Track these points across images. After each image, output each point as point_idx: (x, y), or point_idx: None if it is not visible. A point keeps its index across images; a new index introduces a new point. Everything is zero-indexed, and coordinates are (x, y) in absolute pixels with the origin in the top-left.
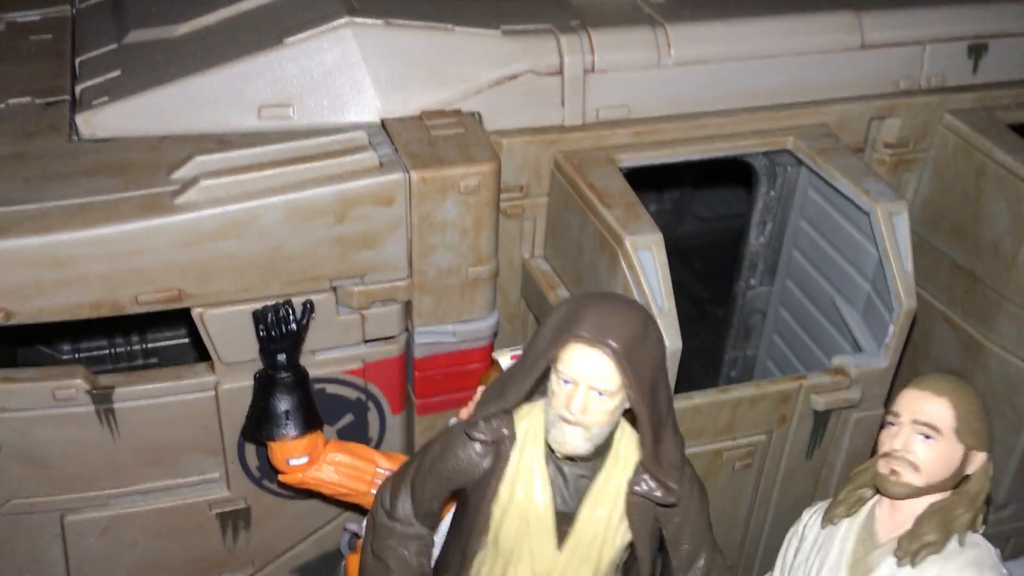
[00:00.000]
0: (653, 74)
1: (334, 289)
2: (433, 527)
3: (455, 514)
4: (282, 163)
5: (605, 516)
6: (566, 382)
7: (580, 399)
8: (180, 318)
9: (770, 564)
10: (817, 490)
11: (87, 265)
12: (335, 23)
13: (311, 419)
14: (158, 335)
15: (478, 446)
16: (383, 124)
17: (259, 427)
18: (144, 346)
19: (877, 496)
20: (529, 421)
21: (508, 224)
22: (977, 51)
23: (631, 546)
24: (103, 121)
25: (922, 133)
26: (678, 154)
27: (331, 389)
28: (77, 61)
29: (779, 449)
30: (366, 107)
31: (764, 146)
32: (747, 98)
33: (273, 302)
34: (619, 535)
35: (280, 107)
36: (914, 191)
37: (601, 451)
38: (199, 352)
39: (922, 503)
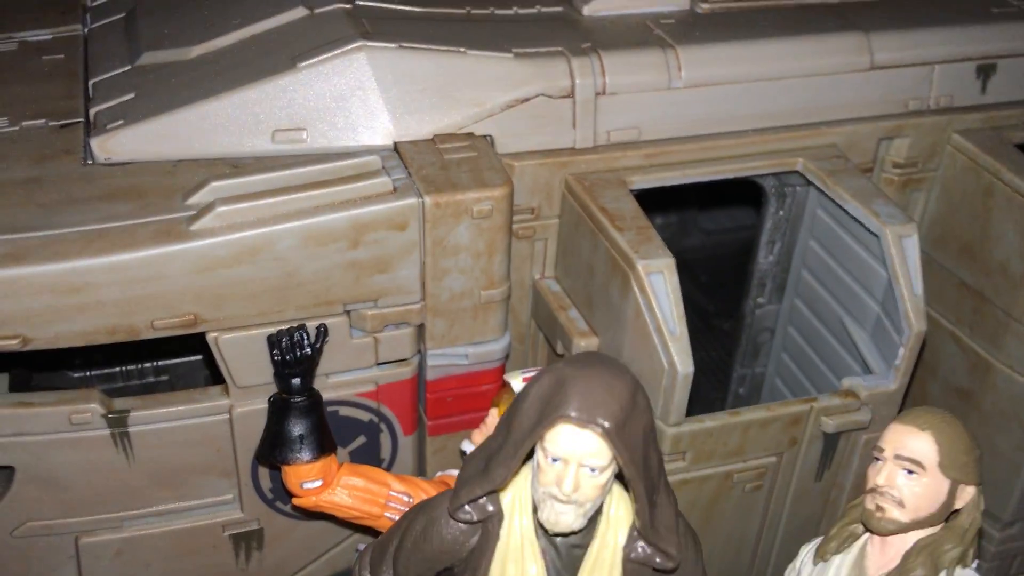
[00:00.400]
0: (664, 96)
1: (348, 313)
2: None
3: None
4: (297, 189)
5: None
6: (555, 460)
7: (571, 479)
8: (192, 337)
9: None
10: (826, 511)
11: (103, 291)
12: (348, 47)
13: (325, 443)
14: (169, 352)
15: (463, 525)
16: (396, 148)
17: (273, 450)
18: (155, 363)
19: (868, 533)
20: (515, 491)
21: (519, 245)
22: (986, 71)
23: None
24: (118, 145)
25: (930, 153)
26: (688, 175)
27: (344, 411)
28: (90, 83)
29: (789, 471)
30: (379, 130)
31: (774, 167)
32: (757, 119)
33: (287, 326)
34: None
35: (294, 131)
36: (922, 210)
37: (592, 518)
38: (211, 370)
39: (910, 539)
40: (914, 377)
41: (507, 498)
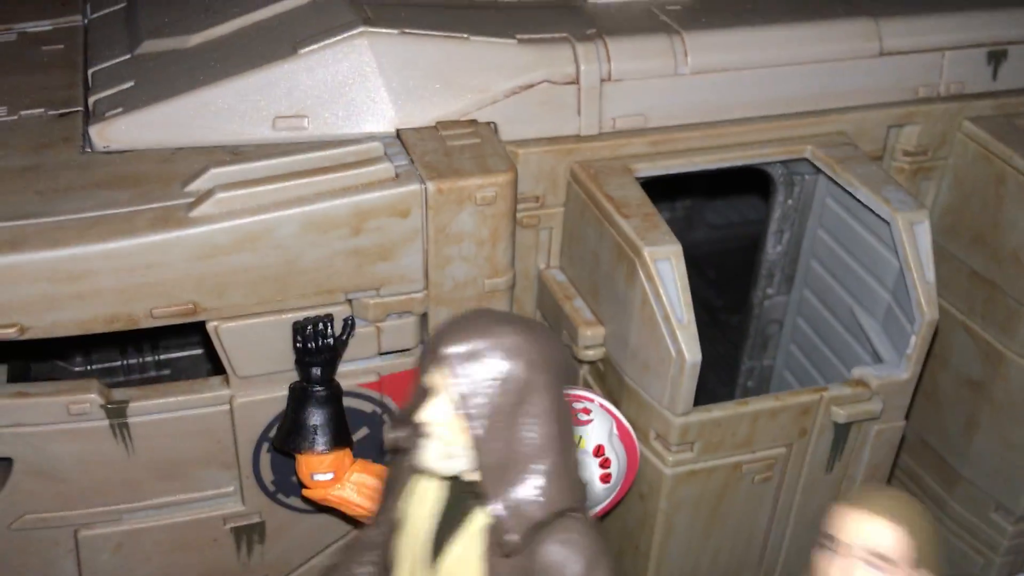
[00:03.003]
0: (670, 83)
1: (349, 302)
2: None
3: None
4: (297, 175)
5: (467, 551)
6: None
7: (426, 407)
8: (193, 329)
9: None
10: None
11: (101, 279)
12: (350, 33)
13: (340, 436)
14: (170, 345)
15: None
16: (398, 135)
17: (288, 438)
18: (156, 357)
19: None
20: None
21: (524, 234)
22: (996, 58)
23: None
24: (116, 133)
25: (941, 141)
26: (695, 163)
27: (347, 402)
28: (90, 72)
29: (799, 462)
30: (381, 117)
31: (782, 155)
32: (765, 106)
33: (315, 315)
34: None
35: (295, 118)
36: (933, 199)
37: None
38: (212, 363)
39: None
40: (925, 369)
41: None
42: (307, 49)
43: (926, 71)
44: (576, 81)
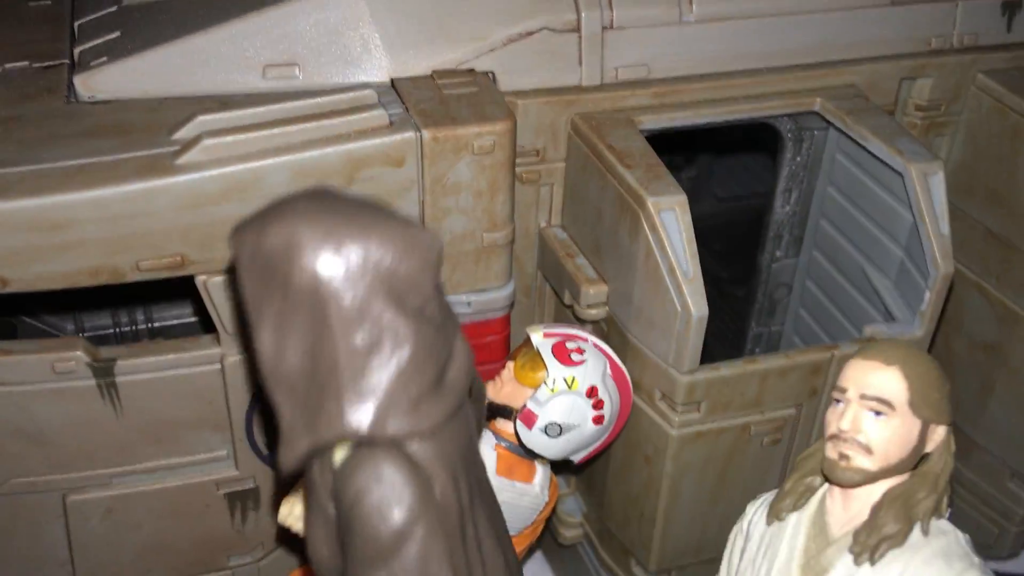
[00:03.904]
0: (674, 31)
1: None
2: None
3: None
4: (287, 122)
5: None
6: None
7: None
8: (186, 296)
9: None
10: None
11: (85, 228)
12: None
13: None
14: (164, 314)
15: None
16: (393, 84)
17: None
18: (150, 325)
19: (827, 485)
20: None
21: (524, 191)
22: (1011, 8)
23: None
24: (102, 82)
25: (954, 95)
26: (700, 116)
27: None
28: (76, 24)
29: (809, 423)
30: (375, 66)
31: (790, 107)
32: (772, 57)
33: None
34: None
35: (285, 67)
36: (946, 157)
37: None
38: (207, 330)
39: (878, 490)
40: (938, 332)
41: None
42: None
43: (939, 22)
44: (577, 29)
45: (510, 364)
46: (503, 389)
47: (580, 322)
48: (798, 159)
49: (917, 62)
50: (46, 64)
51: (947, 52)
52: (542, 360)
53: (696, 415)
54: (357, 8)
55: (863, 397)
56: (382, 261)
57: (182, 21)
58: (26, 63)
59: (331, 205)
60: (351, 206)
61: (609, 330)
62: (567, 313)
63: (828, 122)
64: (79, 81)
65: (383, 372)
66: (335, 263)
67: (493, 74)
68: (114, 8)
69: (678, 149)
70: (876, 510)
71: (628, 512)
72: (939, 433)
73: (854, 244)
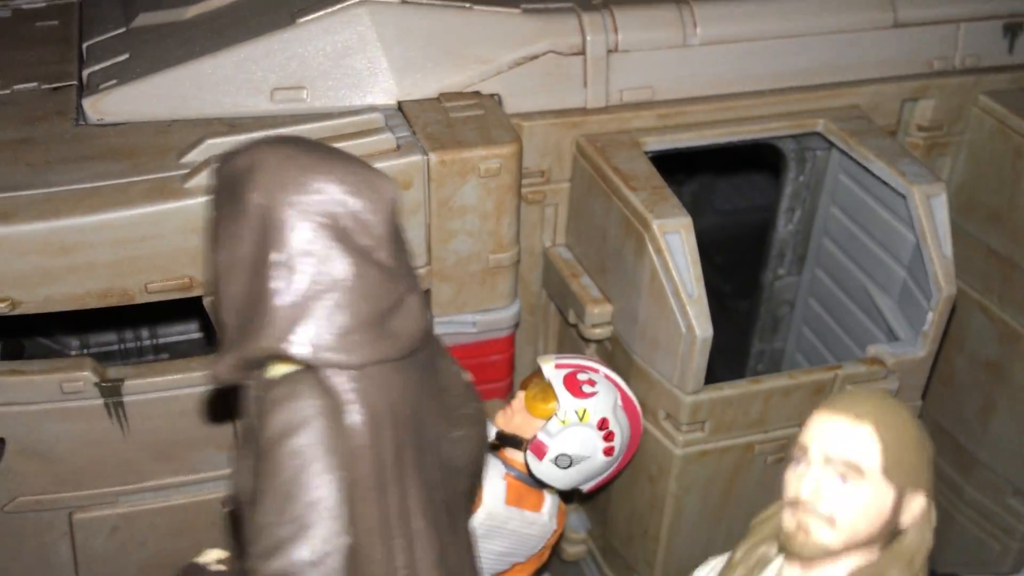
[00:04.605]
0: (678, 54)
1: None
2: None
3: None
4: None
5: None
6: None
7: None
8: (191, 312)
9: None
10: None
11: (95, 251)
12: (350, 2)
13: None
14: (169, 331)
15: None
16: (400, 107)
17: None
18: (155, 342)
19: (783, 557)
20: None
21: (529, 211)
22: (1013, 30)
23: None
24: (110, 105)
25: (956, 115)
26: (704, 137)
27: None
28: (84, 46)
29: None
30: (382, 89)
31: (794, 128)
32: (776, 79)
33: None
34: None
35: (293, 90)
36: (948, 176)
37: None
38: (212, 347)
39: (842, 567)
40: (940, 351)
41: None
42: (306, 19)
43: (941, 43)
44: (582, 52)
45: (521, 394)
46: (513, 419)
47: (585, 341)
48: (801, 179)
49: (919, 83)
50: (54, 86)
51: (949, 74)
52: (553, 391)
53: (700, 434)
54: (364, 32)
55: (828, 459)
56: (334, 195)
57: (190, 44)
58: (35, 84)
59: (301, 144)
60: (319, 147)
61: (613, 350)
62: (571, 332)
63: (831, 143)
64: (88, 104)
65: (315, 299)
66: (286, 187)
67: (499, 96)
68: (123, 30)
69: (680, 164)
70: None
71: (632, 529)
72: (917, 503)
73: (857, 263)
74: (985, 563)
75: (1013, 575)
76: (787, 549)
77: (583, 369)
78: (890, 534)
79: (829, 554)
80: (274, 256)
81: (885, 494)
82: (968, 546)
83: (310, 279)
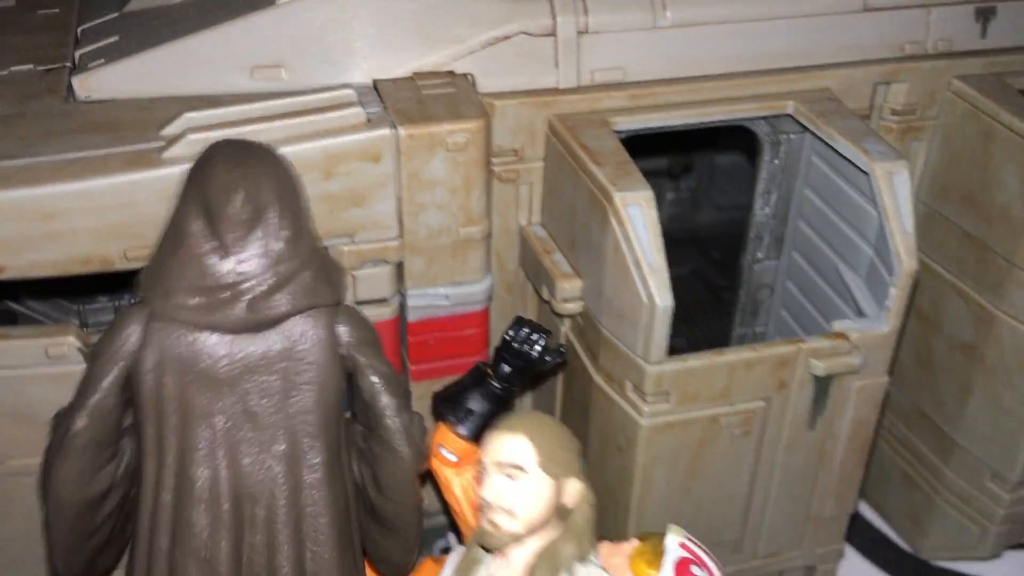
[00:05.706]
0: (649, 36)
1: (324, 248)
2: None
3: None
4: (268, 119)
5: None
6: None
7: None
8: None
9: (775, 541)
10: (822, 464)
11: (76, 218)
12: None
13: (484, 433)
14: None
15: None
16: (375, 85)
17: (443, 403)
18: None
19: (490, 554)
20: None
21: (504, 189)
22: (985, 15)
23: None
24: (98, 83)
25: (929, 100)
26: (675, 118)
27: None
28: (79, 30)
29: (779, 417)
30: (358, 68)
31: (764, 110)
32: (746, 61)
33: (539, 322)
34: None
35: (271, 68)
36: (923, 161)
37: None
38: None
39: (531, 549)
40: (918, 333)
41: None
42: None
43: (912, 27)
44: (553, 33)
45: (634, 542)
46: (612, 559)
47: (558, 317)
48: (775, 162)
49: (891, 67)
50: (49, 67)
51: (921, 58)
52: (662, 562)
53: (665, 405)
54: (341, 13)
55: (499, 465)
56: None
57: (176, 25)
58: (31, 66)
59: (250, 146)
60: (265, 153)
61: (585, 325)
62: (546, 309)
63: (803, 126)
64: (76, 82)
65: (164, 257)
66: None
67: (472, 76)
68: (116, 14)
69: (678, 156)
70: (532, 571)
71: (604, 501)
72: (572, 487)
73: (829, 244)
74: (965, 547)
75: (994, 558)
76: (486, 545)
77: (703, 565)
78: (560, 514)
79: (517, 539)
80: (170, 221)
81: (545, 483)
82: (949, 530)
83: (173, 244)
